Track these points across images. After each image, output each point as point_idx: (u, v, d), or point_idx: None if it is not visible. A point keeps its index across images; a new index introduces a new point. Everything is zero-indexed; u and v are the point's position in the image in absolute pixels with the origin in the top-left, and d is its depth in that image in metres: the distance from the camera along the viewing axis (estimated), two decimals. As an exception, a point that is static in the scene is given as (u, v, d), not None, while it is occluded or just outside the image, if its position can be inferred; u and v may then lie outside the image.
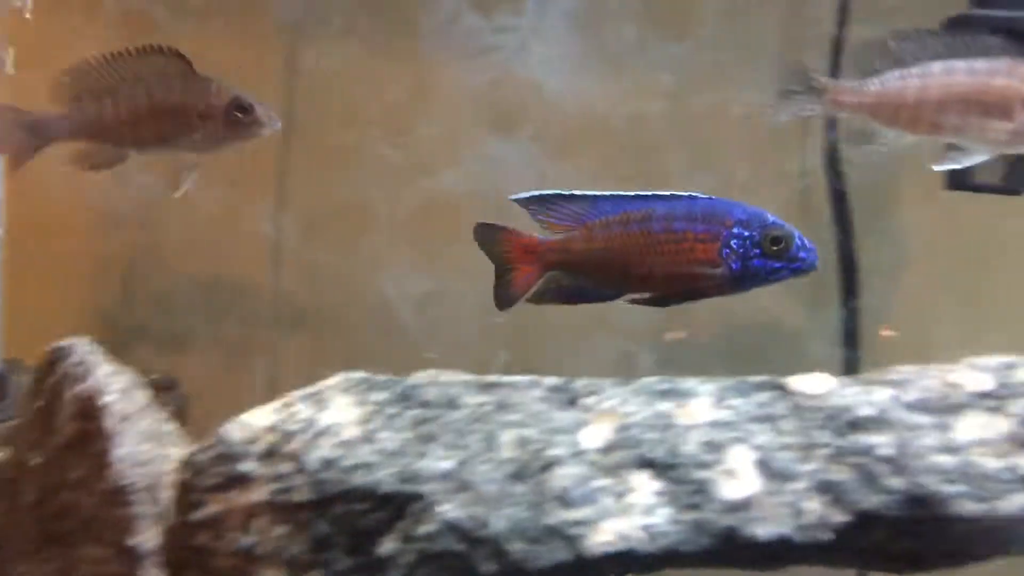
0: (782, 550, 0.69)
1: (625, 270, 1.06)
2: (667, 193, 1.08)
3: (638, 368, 1.61)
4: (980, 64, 1.07)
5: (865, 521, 0.71)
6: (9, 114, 1.17)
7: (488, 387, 0.78)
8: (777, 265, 1.02)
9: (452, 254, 1.63)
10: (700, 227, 1.05)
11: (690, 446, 0.73)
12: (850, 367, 1.33)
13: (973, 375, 0.74)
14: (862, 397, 0.75)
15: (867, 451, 0.72)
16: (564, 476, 0.71)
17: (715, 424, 0.75)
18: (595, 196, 1.10)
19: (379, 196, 1.59)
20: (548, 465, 0.71)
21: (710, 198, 1.06)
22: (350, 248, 1.61)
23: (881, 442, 0.72)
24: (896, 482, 0.71)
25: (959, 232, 1.39)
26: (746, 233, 1.03)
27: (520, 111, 1.56)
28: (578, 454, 0.73)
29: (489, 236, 1.12)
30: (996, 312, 1.39)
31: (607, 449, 0.73)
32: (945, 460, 0.71)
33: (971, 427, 0.72)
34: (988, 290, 1.38)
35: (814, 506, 0.70)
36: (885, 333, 1.13)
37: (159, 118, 1.18)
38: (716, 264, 1.03)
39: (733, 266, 1.03)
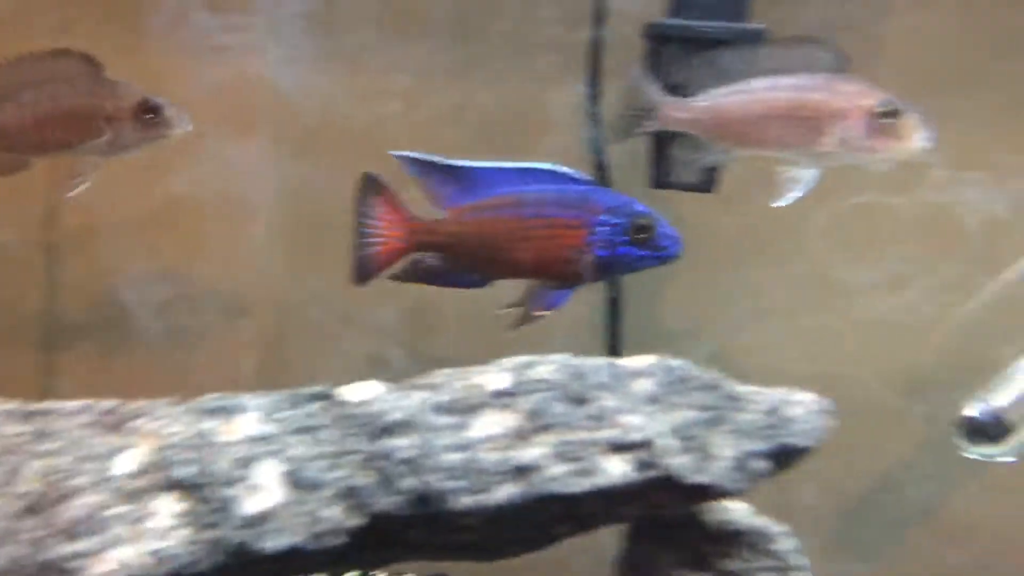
0: (298, 559, 0.71)
1: (495, 255, 1.05)
2: (547, 167, 1.07)
3: (389, 368, 1.62)
4: (801, 79, 1.10)
5: (379, 522, 0.74)
6: None
7: (31, 415, 0.76)
8: (643, 253, 1.04)
9: (190, 257, 1.59)
10: (570, 213, 1.04)
11: (223, 464, 0.75)
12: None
13: (496, 375, 0.79)
14: (398, 402, 0.78)
15: (391, 455, 0.75)
16: (80, 506, 0.71)
17: (254, 439, 0.76)
18: (472, 169, 1.07)
19: (110, 198, 1.53)
20: (67, 496, 0.71)
21: (582, 183, 1.06)
22: (81, 253, 1.54)
23: (404, 445, 0.76)
24: (409, 483, 0.74)
25: (719, 228, 1.48)
26: (614, 220, 1.03)
27: (256, 112, 1.53)
28: (104, 481, 0.73)
29: (369, 190, 1.07)
30: (748, 304, 1.49)
31: (137, 474, 0.73)
32: (454, 458, 0.75)
33: (484, 425, 0.76)
34: (741, 283, 1.48)
35: (333, 513, 0.73)
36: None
37: (65, 122, 1.14)
38: (584, 251, 1.03)
39: (600, 253, 1.03)
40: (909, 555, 1.46)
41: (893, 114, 1.06)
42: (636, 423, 0.74)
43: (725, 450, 0.76)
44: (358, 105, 1.51)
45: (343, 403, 0.79)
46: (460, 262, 1.06)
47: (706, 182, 1.26)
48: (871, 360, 1.42)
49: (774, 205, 1.13)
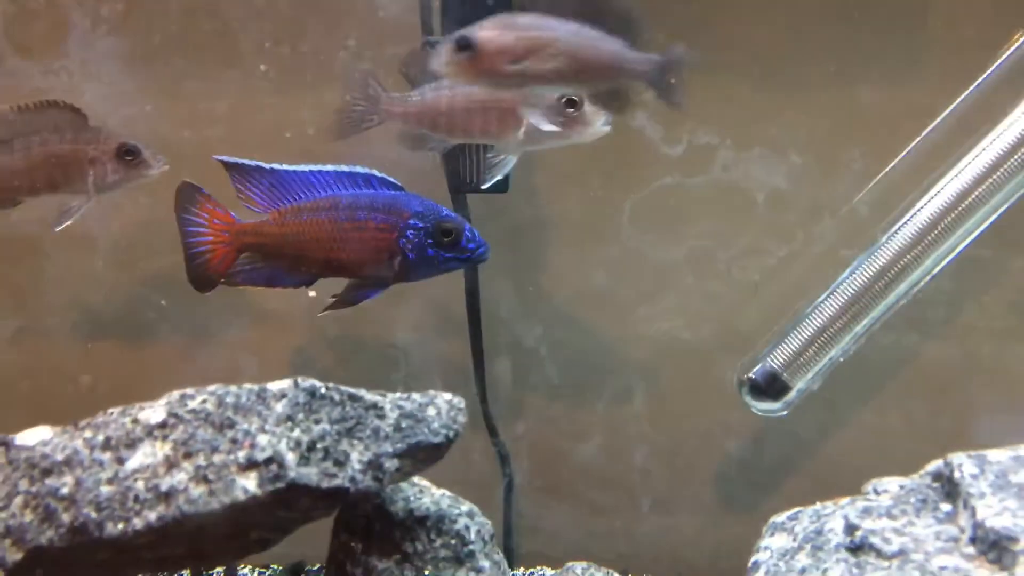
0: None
1: (314, 255, 1.15)
2: (361, 171, 1.16)
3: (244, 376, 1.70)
4: None
5: (36, 554, 0.82)
6: None
7: None
8: (448, 255, 1.14)
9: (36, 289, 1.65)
10: (380, 217, 1.15)
11: None
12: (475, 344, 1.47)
13: (154, 410, 0.87)
14: (61, 444, 0.86)
15: (53, 492, 0.83)
16: None
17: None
18: (291, 172, 1.16)
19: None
20: None
21: (393, 187, 1.16)
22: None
23: (64, 483, 0.83)
24: (67, 516, 0.82)
25: (541, 220, 1.56)
26: (421, 225, 1.13)
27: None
28: None
29: (189, 199, 1.17)
30: (572, 286, 1.56)
31: None
32: (107, 490, 0.83)
33: (139, 457, 0.84)
34: (566, 269, 1.55)
35: (-3, 551, 0.80)
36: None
37: (52, 166, 1.28)
38: (395, 253, 1.14)
39: (409, 255, 1.13)
40: (733, 506, 1.56)
41: (575, 104, 1.19)
42: (265, 442, 0.83)
43: (357, 455, 0.85)
44: (183, 131, 1.58)
45: (16, 448, 0.86)
46: (282, 261, 1.16)
47: (501, 184, 1.34)
48: (690, 327, 1.52)
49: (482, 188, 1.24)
